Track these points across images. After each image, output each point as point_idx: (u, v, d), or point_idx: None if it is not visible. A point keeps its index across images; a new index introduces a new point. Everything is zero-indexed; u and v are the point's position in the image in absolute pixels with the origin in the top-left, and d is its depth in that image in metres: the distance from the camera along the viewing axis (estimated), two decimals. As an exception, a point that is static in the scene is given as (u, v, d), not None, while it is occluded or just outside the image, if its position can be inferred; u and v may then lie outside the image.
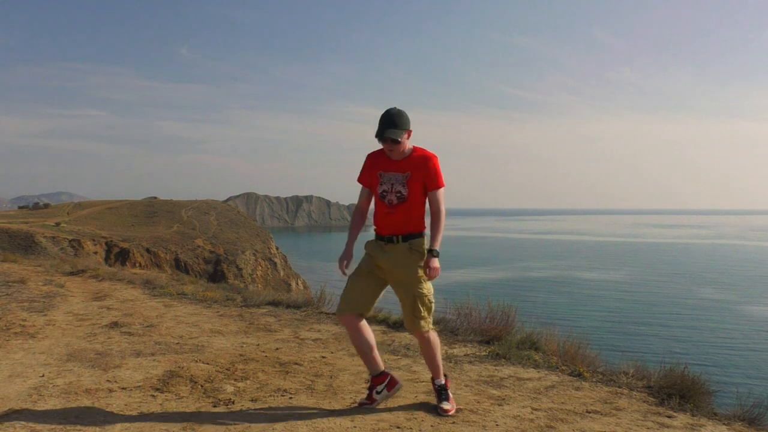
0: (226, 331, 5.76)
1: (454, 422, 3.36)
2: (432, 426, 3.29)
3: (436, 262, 3.38)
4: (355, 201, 3.72)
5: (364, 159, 3.63)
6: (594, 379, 4.42)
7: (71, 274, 10.49)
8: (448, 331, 5.81)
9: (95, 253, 44.97)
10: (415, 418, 3.40)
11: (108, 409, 3.41)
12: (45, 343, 5.08)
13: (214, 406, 3.51)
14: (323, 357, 4.77)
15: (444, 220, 3.51)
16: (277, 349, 5.02)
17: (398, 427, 3.25)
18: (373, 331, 5.82)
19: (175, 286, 9.16)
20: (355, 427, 3.23)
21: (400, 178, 3.44)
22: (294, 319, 6.46)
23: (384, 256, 3.47)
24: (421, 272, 3.45)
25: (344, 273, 3.50)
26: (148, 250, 50.14)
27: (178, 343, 5.15)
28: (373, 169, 3.52)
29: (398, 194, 3.43)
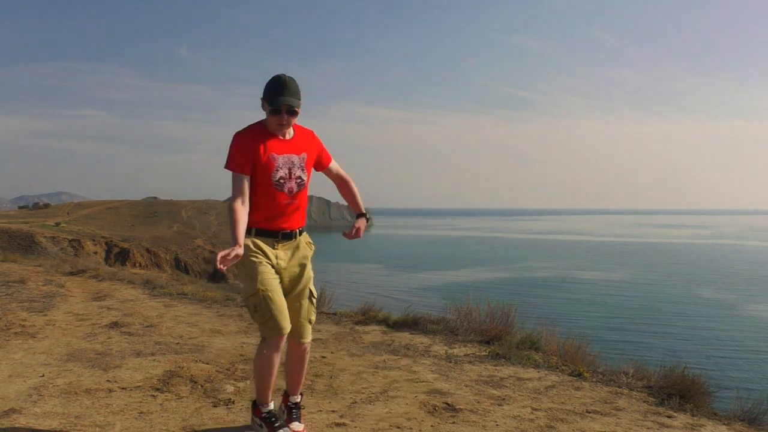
0: (226, 331, 5.76)
1: (454, 422, 3.36)
2: (432, 426, 3.29)
3: (365, 222, 3.20)
4: None
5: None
6: (594, 379, 4.42)
7: (71, 274, 10.48)
8: (448, 331, 5.81)
9: (95, 253, 45.03)
10: (415, 418, 3.40)
11: (108, 409, 3.41)
12: (45, 343, 5.08)
13: (214, 406, 3.50)
14: (323, 357, 4.77)
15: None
16: (277, 349, 5.02)
17: (398, 427, 3.25)
18: (373, 331, 5.86)
19: (175, 286, 9.16)
20: (355, 427, 3.24)
21: (298, 161, 2.97)
22: (294, 319, 6.46)
23: (284, 255, 2.98)
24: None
25: (222, 268, 2.61)
26: (148, 250, 50.20)
27: (178, 343, 5.15)
28: (261, 152, 2.86)
29: (299, 180, 2.96)
